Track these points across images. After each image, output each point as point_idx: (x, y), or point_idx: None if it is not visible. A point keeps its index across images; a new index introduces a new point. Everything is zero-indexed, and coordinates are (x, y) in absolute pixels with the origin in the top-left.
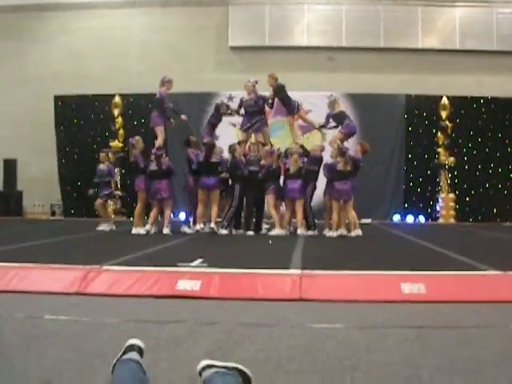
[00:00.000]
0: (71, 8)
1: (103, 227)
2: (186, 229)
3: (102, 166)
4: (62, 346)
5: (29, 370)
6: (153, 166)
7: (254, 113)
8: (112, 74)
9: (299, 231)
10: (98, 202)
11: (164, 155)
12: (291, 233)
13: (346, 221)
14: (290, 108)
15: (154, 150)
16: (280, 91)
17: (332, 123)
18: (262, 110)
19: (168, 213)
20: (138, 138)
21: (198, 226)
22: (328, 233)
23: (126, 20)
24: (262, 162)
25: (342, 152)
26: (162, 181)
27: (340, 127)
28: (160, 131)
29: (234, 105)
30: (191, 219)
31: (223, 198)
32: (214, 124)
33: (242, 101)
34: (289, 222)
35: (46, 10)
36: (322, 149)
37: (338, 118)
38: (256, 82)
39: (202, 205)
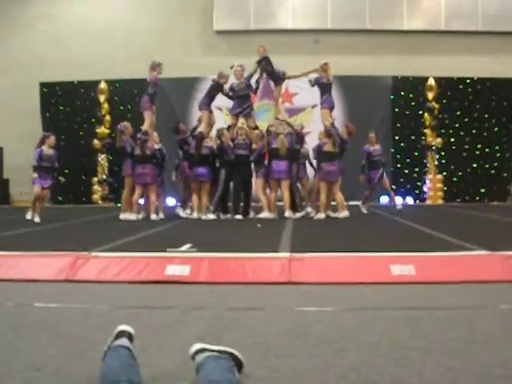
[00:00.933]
0: None
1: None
2: (180, 212)
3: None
4: (52, 334)
5: (18, 357)
6: (137, 151)
7: (245, 97)
8: (97, 59)
9: (287, 213)
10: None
11: (148, 140)
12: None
13: (333, 202)
14: (276, 76)
15: (138, 135)
16: (268, 60)
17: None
18: (250, 94)
19: (153, 198)
20: (126, 123)
21: (185, 213)
22: (316, 215)
23: (110, 5)
24: (254, 146)
25: (328, 133)
26: (147, 166)
27: (320, 103)
28: (148, 116)
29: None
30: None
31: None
32: (212, 96)
33: (232, 85)
34: (274, 203)
35: None
36: (302, 128)
37: (323, 88)
38: (242, 66)
39: (196, 195)
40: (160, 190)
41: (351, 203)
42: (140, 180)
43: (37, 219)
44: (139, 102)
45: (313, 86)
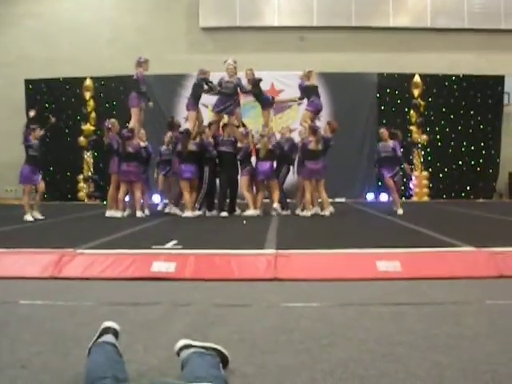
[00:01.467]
0: None
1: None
2: (172, 209)
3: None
4: (37, 331)
5: (3, 355)
6: (121, 149)
7: (230, 95)
8: (82, 56)
9: (275, 205)
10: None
11: (133, 137)
12: (264, 213)
13: (319, 200)
14: (265, 102)
15: (122, 132)
16: (256, 85)
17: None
18: (236, 92)
19: (138, 195)
20: (113, 120)
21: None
22: (301, 212)
23: (96, 2)
24: (239, 145)
25: (313, 131)
26: (131, 163)
27: (306, 105)
28: (134, 113)
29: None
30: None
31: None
32: (197, 95)
33: (222, 81)
34: (261, 203)
35: None
36: (289, 130)
37: (307, 91)
38: (235, 62)
39: (187, 191)
40: (145, 187)
41: (337, 200)
42: (125, 177)
43: (39, 215)
44: (126, 99)
45: (301, 98)
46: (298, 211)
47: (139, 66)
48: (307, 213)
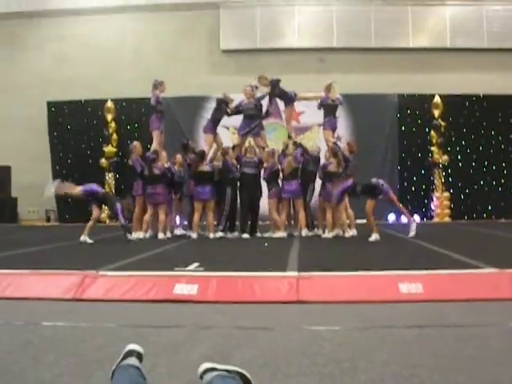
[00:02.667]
0: (61, 14)
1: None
2: (178, 231)
3: None
4: (60, 352)
5: (27, 376)
6: (146, 171)
7: (254, 116)
8: (104, 79)
9: (303, 232)
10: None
11: (157, 159)
12: (290, 234)
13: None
14: (288, 98)
15: (147, 154)
16: (276, 85)
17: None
18: (260, 113)
19: (162, 217)
20: (136, 142)
21: (191, 233)
22: (323, 234)
23: (118, 25)
24: (265, 165)
25: (334, 153)
26: (157, 185)
27: (324, 124)
28: (156, 135)
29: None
30: (186, 222)
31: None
32: (217, 119)
33: (241, 104)
34: (286, 223)
35: (36, 17)
36: (319, 150)
37: (327, 108)
38: (256, 88)
39: (198, 213)
40: (168, 208)
41: (358, 221)
42: (151, 200)
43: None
44: (147, 121)
45: (319, 108)
46: (320, 232)
47: (155, 89)
48: (329, 234)
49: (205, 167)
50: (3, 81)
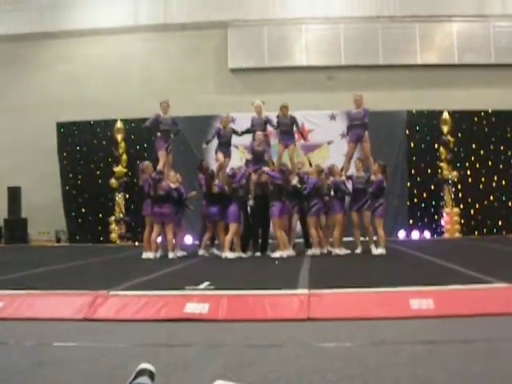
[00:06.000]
0: (69, 35)
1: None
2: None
3: None
4: (72, 372)
5: None
6: (152, 191)
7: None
8: (113, 99)
9: (309, 251)
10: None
11: (162, 180)
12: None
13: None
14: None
15: (152, 175)
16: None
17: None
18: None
19: (170, 237)
20: (147, 162)
21: (201, 251)
22: (335, 250)
23: (126, 45)
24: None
25: (383, 168)
26: (163, 205)
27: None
28: (161, 155)
29: (235, 126)
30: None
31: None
32: (223, 143)
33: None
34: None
35: (45, 39)
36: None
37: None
38: (263, 103)
39: (210, 232)
40: (177, 228)
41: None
42: (158, 219)
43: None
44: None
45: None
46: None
47: (143, 173)
48: (340, 251)
49: (214, 188)
50: (13, 102)
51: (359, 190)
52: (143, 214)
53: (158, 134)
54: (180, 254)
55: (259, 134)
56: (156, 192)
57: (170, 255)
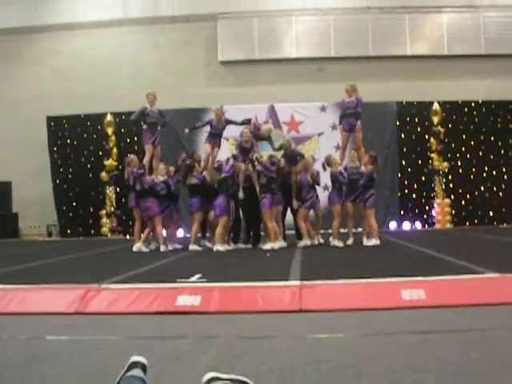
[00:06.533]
0: (59, 29)
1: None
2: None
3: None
4: (64, 366)
5: None
6: (137, 186)
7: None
8: (103, 92)
9: (300, 243)
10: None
11: (145, 174)
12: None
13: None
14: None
15: (135, 169)
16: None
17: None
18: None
19: (159, 230)
20: (132, 156)
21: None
22: (334, 242)
23: (116, 39)
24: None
25: (375, 159)
26: (148, 199)
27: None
28: (147, 149)
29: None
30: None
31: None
32: (214, 133)
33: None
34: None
35: (34, 32)
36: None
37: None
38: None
39: (195, 225)
40: (168, 221)
41: (360, 229)
42: (143, 213)
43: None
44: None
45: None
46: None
47: (128, 166)
48: (339, 243)
49: (193, 180)
50: (2, 96)
51: (354, 181)
52: (129, 206)
53: (145, 126)
54: (171, 247)
55: (246, 130)
56: (141, 186)
57: (162, 248)
